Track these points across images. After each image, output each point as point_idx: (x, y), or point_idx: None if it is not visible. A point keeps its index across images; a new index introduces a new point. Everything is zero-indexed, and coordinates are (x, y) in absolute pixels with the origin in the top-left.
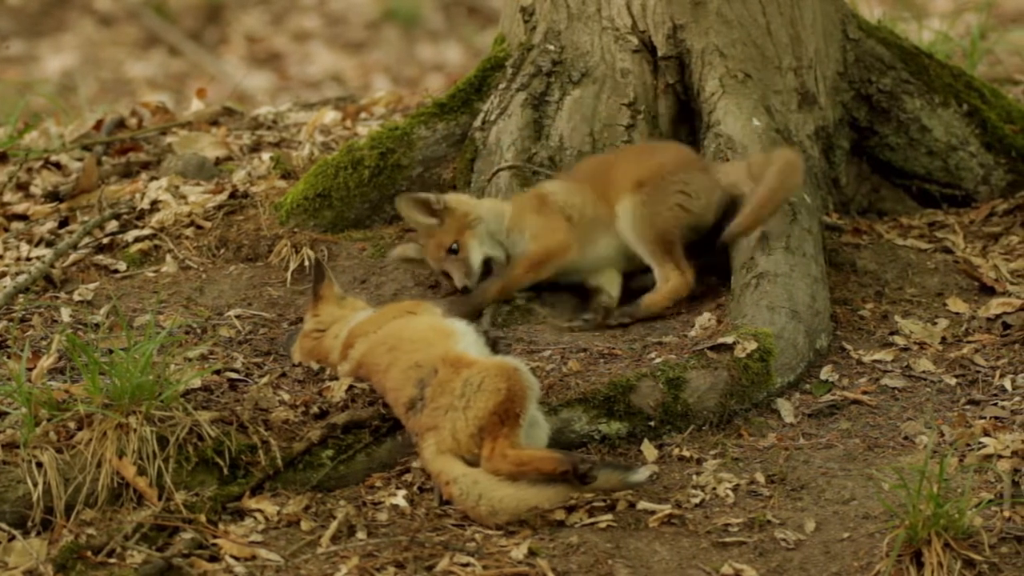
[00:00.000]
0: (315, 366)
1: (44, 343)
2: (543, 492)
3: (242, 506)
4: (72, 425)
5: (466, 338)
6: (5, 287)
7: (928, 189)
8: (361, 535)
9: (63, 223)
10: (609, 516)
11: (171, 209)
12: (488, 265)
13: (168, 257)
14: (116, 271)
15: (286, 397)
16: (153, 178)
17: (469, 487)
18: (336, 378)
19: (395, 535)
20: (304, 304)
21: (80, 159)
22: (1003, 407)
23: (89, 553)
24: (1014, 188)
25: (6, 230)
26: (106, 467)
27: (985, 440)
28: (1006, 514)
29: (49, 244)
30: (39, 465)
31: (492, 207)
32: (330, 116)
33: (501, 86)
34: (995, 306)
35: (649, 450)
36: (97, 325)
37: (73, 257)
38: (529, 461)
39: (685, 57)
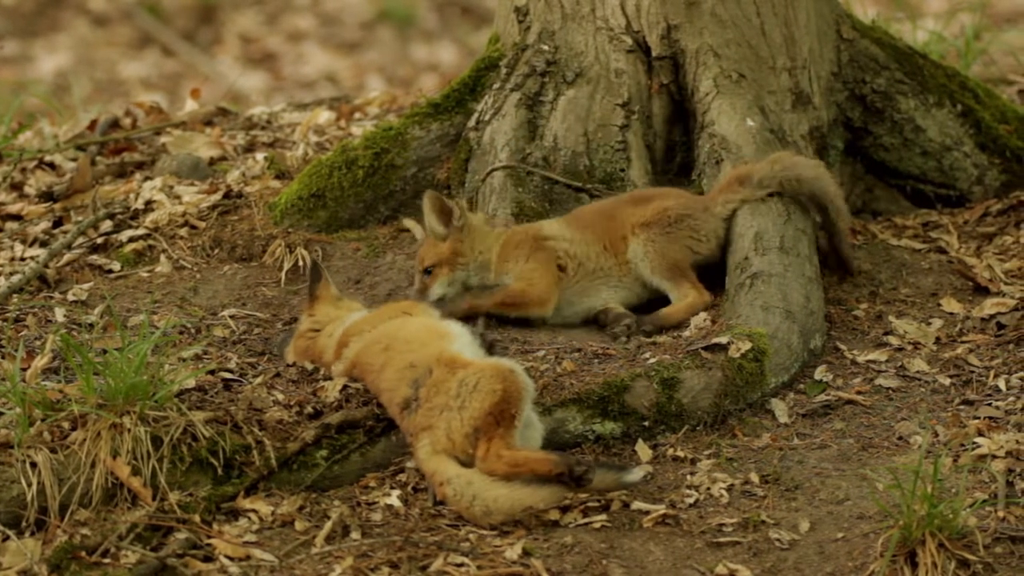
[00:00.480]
0: (309, 366)
1: (38, 343)
2: (537, 492)
3: (236, 506)
4: (66, 425)
5: (461, 339)
6: None
7: (922, 189)
8: (355, 535)
9: (57, 223)
10: (603, 516)
11: (165, 209)
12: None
13: (162, 257)
14: (110, 271)
15: (280, 397)
16: (147, 178)
17: (463, 487)
18: (330, 378)
19: (389, 535)
20: (299, 304)
21: (74, 159)
22: (997, 407)
23: (83, 553)
24: (1008, 188)
25: (0, 230)
26: (100, 467)
27: (979, 440)
28: (1000, 514)
29: (43, 244)
30: (33, 465)
31: (492, 245)
32: (324, 116)
33: (495, 86)
34: (989, 306)
35: (643, 450)
36: (91, 325)
37: (67, 257)
38: (524, 463)
39: (679, 57)
